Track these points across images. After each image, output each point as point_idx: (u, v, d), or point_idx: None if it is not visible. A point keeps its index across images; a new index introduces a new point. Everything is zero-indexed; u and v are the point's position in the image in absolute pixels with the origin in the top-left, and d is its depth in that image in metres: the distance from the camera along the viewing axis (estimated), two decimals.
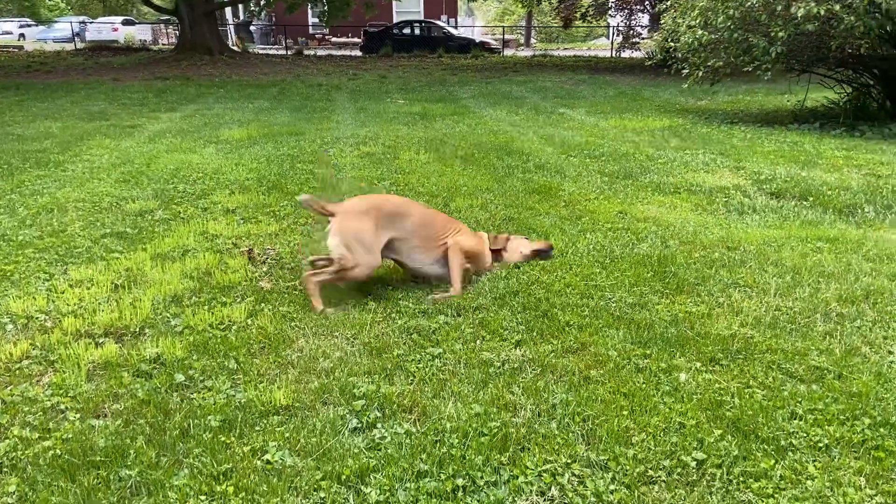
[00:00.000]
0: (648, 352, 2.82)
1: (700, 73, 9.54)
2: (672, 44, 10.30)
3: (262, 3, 27.35)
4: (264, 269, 3.85)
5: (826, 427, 2.27)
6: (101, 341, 3.00)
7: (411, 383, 2.62)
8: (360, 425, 2.35)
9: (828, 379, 2.58)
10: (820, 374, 2.62)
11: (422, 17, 34.13)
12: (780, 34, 8.12)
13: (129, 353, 2.89)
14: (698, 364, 2.71)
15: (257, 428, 2.35)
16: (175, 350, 2.89)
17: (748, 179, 5.98)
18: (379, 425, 2.35)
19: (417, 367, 2.73)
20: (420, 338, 2.99)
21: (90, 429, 2.34)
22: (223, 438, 2.28)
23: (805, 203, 5.23)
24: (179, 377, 2.67)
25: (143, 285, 3.63)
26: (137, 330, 3.13)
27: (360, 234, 3.31)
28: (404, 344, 2.94)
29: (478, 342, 2.94)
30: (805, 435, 2.23)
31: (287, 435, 2.29)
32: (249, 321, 3.19)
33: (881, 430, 2.24)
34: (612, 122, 9.82)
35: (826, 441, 2.19)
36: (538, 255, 3.90)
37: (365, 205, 3.43)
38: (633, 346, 2.88)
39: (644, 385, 2.55)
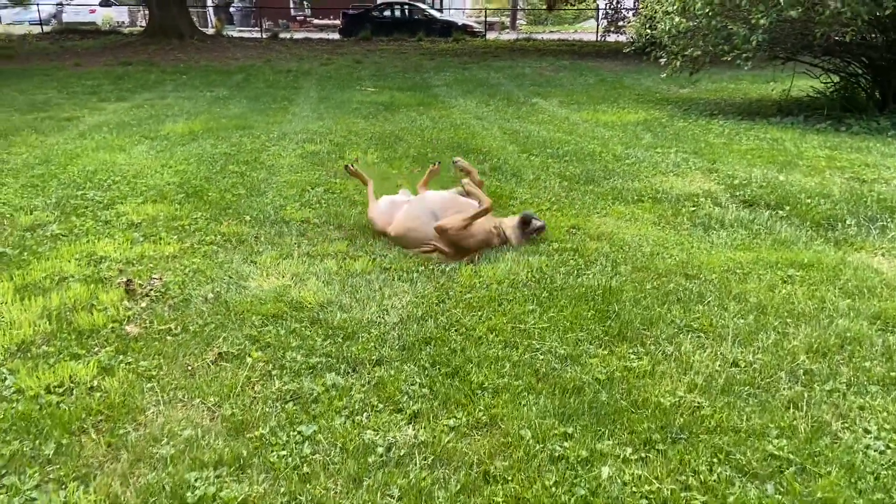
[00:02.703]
0: (570, 430, 2.27)
1: (678, 63, 8.95)
2: (649, 30, 9.70)
3: None
4: (142, 305, 3.28)
5: None
6: None
7: (264, 482, 2.07)
8: None
9: (787, 475, 2.05)
10: (778, 468, 2.09)
11: None
12: (762, 21, 7.53)
13: None
14: (629, 450, 2.17)
15: None
16: None
17: (720, 184, 5.43)
18: None
19: (280, 456, 2.18)
20: (296, 408, 2.44)
21: None
22: None
23: (780, 213, 4.69)
24: None
25: None
26: None
27: None
28: (275, 417, 2.39)
29: (365, 415, 2.40)
30: None
31: None
32: (97, 381, 2.63)
33: None
34: (585, 114, 9.24)
35: None
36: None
37: None
38: (554, 420, 2.34)
39: (555, 488, 2.01)
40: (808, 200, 4.87)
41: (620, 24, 22.69)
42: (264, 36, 27.58)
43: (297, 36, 28.34)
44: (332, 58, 19.04)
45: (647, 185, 5.39)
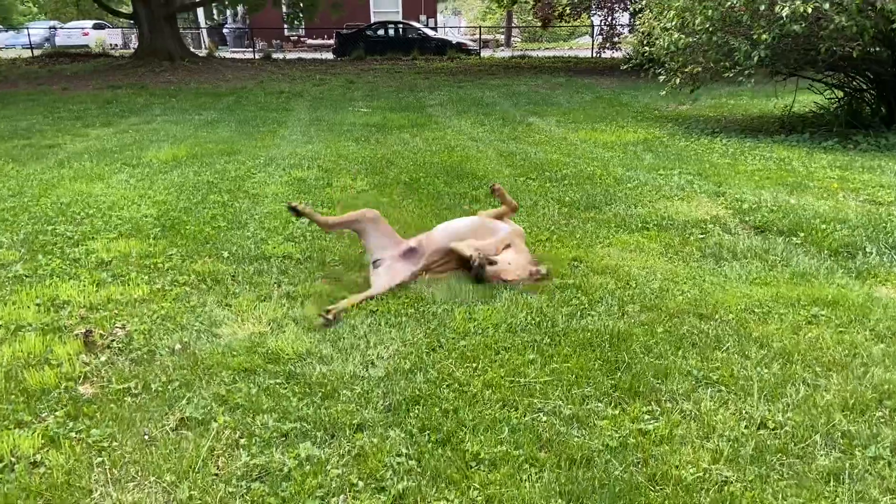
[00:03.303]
0: None
1: (678, 80, 8.71)
2: (647, 48, 9.48)
3: (225, 3, 26.32)
4: (102, 358, 2.96)
5: None
6: None
7: None
8: None
9: None
10: None
11: (400, 18, 33.20)
12: (764, 36, 7.29)
13: None
14: None
15: None
16: None
17: (729, 209, 5.14)
18: None
19: None
20: (263, 488, 2.12)
21: None
22: None
23: (795, 240, 4.40)
24: None
25: None
26: None
27: None
28: (239, 501, 2.07)
29: (342, 497, 2.08)
30: None
31: None
32: (42, 455, 2.31)
33: None
34: (583, 133, 8.98)
35: None
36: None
37: None
38: (561, 501, 2.03)
39: None
40: (823, 226, 4.59)
41: (616, 40, 22.53)
42: (257, 57, 27.45)
43: (291, 56, 28.21)
44: (325, 78, 18.83)
45: (651, 211, 5.11)
